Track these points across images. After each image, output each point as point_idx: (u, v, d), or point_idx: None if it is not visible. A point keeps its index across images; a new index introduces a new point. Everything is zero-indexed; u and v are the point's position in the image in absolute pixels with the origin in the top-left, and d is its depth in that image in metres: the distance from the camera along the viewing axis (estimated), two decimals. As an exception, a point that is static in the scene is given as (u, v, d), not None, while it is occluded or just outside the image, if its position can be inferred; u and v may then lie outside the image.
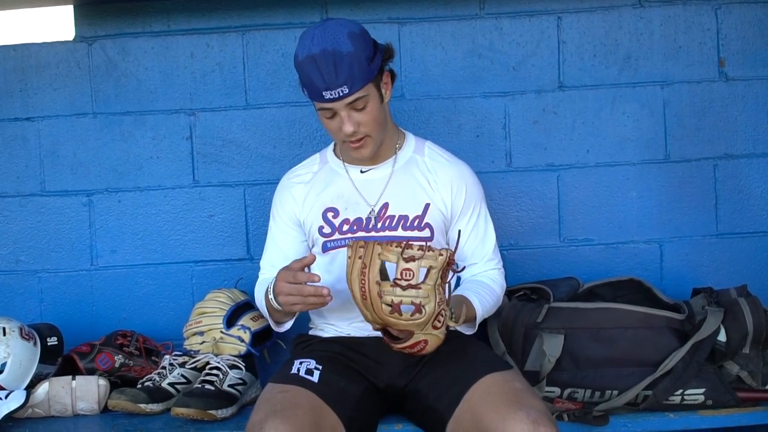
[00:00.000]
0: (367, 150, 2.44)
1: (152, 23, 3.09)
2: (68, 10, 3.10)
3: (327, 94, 2.30)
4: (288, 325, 2.54)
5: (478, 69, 3.10)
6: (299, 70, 2.34)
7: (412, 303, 2.09)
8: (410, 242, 2.15)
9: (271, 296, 2.36)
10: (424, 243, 2.18)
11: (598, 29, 3.10)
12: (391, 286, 2.09)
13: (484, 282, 2.53)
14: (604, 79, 3.10)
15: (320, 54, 2.27)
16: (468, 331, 2.51)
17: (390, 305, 2.09)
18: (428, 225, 2.50)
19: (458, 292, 2.46)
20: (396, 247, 2.13)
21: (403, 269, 2.10)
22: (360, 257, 2.11)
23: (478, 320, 2.46)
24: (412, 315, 2.09)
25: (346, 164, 2.58)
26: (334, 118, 2.38)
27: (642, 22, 3.10)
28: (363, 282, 2.09)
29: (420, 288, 2.09)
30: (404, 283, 2.09)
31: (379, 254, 2.11)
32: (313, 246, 2.56)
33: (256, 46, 3.10)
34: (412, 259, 2.10)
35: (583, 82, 3.10)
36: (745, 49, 3.11)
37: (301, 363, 2.36)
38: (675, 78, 3.10)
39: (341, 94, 2.30)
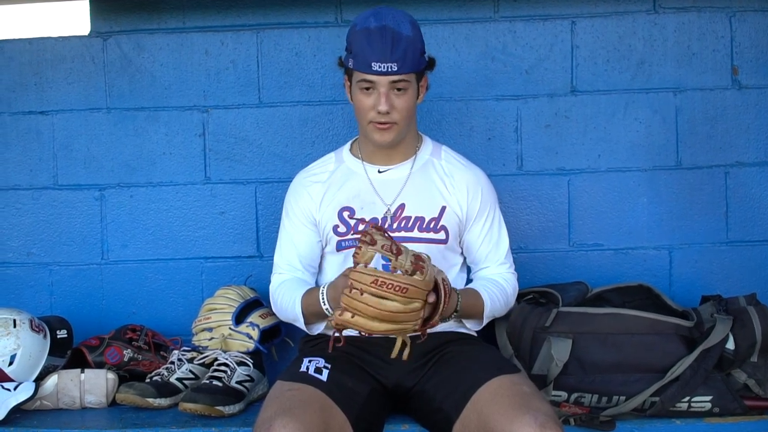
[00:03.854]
0: (391, 136, 2.46)
1: (167, 20, 3.11)
2: (84, 5, 3.12)
3: (376, 66, 2.35)
4: (322, 326, 2.55)
5: (491, 72, 3.11)
6: (353, 38, 2.39)
7: (415, 257, 2.12)
8: (359, 241, 2.17)
9: (327, 308, 2.37)
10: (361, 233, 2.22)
11: (611, 34, 3.10)
12: (396, 260, 2.11)
13: (495, 280, 2.55)
14: (616, 85, 3.10)
15: (380, 28, 2.34)
16: (475, 326, 2.52)
17: (414, 270, 2.10)
18: (444, 228, 2.51)
19: (469, 287, 2.49)
20: (361, 252, 2.14)
21: (382, 248, 2.12)
22: (361, 292, 2.07)
23: (486, 314, 2.47)
24: (426, 264, 2.13)
25: (364, 163, 2.59)
26: (370, 94, 2.41)
27: (656, 28, 3.10)
28: (390, 286, 2.06)
29: (401, 247, 2.15)
30: (396, 250, 2.12)
31: (365, 266, 2.10)
32: (326, 245, 2.57)
33: (270, 44, 3.11)
34: (373, 239, 2.14)
35: (595, 87, 3.10)
36: (758, 57, 3.11)
37: (310, 361, 2.37)
38: (688, 85, 3.10)
39: (390, 69, 2.35)
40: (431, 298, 2.14)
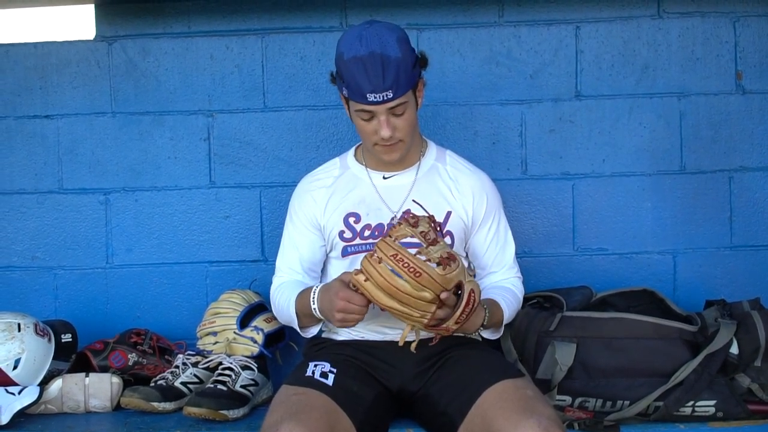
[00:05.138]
0: (398, 154, 2.46)
1: (172, 24, 3.11)
2: (89, 10, 3.13)
3: (371, 97, 2.32)
4: (316, 330, 2.56)
5: (495, 76, 3.11)
6: (343, 68, 2.35)
7: (447, 254, 2.15)
8: (400, 219, 2.25)
9: (315, 308, 2.37)
10: (407, 212, 2.29)
11: (616, 39, 3.10)
12: (426, 248, 2.14)
13: (508, 288, 2.55)
14: (621, 89, 3.11)
15: (369, 56, 2.29)
16: (493, 336, 2.53)
17: (439, 263, 2.12)
18: (449, 233, 2.51)
19: (485, 296, 2.47)
20: (399, 227, 2.20)
21: (420, 233, 2.18)
22: (379, 260, 2.13)
23: (503, 324, 2.49)
24: (454, 264, 2.15)
25: (368, 169, 2.59)
26: (371, 121, 2.39)
27: (660, 33, 3.10)
28: (406, 264, 2.10)
29: (439, 240, 2.19)
30: (431, 241, 2.17)
31: (394, 240, 2.16)
32: (331, 250, 2.57)
33: (275, 49, 3.11)
34: (417, 222, 2.20)
35: (600, 91, 3.11)
36: (762, 62, 3.11)
37: (315, 366, 2.37)
38: (692, 90, 3.11)
39: (386, 98, 2.32)
40: (444, 295, 2.14)
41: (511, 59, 3.11)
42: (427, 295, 2.13)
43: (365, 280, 2.14)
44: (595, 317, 2.70)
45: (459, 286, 2.18)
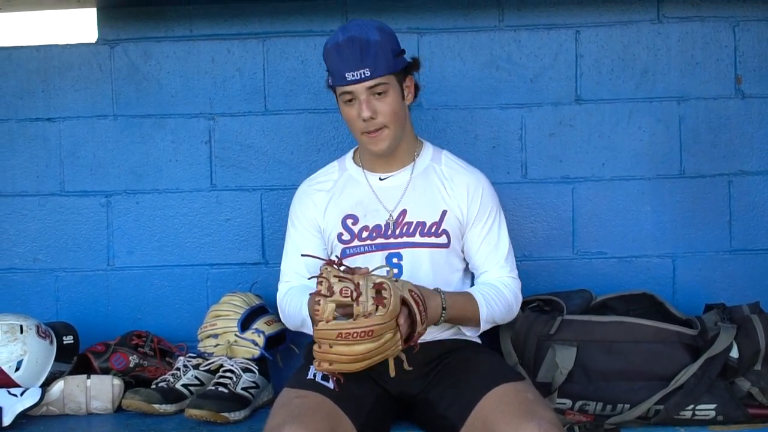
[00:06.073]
0: (385, 143, 2.46)
1: (174, 28, 3.12)
2: (91, 13, 3.14)
3: (349, 76, 2.35)
4: None
5: (495, 80, 3.12)
6: (327, 58, 2.41)
7: (375, 286, 2.11)
8: (316, 295, 2.14)
9: None
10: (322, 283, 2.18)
11: (616, 43, 3.11)
12: (357, 305, 2.09)
13: (492, 284, 2.52)
14: (620, 94, 3.11)
15: (347, 40, 2.35)
16: (473, 332, 2.51)
17: (375, 302, 2.09)
18: (445, 231, 2.52)
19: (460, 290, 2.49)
20: (322, 307, 2.11)
21: (341, 293, 2.10)
22: (330, 346, 2.09)
23: (484, 318, 2.44)
24: (386, 293, 2.11)
25: (365, 171, 2.60)
26: (353, 105, 2.41)
27: (660, 38, 3.11)
28: (354, 335, 2.07)
29: (359, 282, 2.11)
30: (355, 291, 2.10)
31: (326, 323, 2.08)
32: (331, 252, 2.58)
33: (276, 52, 3.12)
34: (331, 287, 2.11)
35: (600, 95, 3.11)
36: (762, 66, 3.12)
37: (316, 368, 2.38)
38: (691, 94, 3.11)
39: (363, 76, 2.35)
40: (401, 320, 2.15)
41: (511, 63, 3.11)
42: (389, 335, 2.13)
43: (330, 365, 2.11)
44: (595, 321, 2.71)
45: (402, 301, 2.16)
